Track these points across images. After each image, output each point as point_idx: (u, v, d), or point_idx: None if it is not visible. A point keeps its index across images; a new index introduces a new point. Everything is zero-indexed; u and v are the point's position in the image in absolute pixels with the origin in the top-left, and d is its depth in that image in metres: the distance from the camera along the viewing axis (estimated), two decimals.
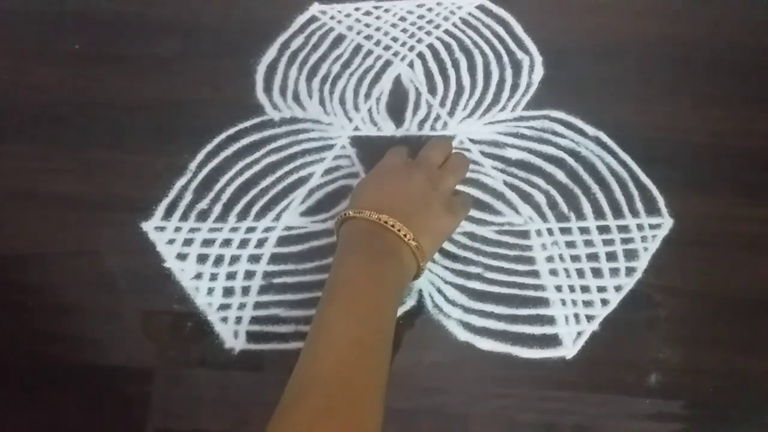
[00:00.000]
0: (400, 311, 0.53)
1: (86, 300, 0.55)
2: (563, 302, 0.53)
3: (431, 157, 0.51)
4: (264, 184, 0.58)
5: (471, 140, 0.59)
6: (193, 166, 0.58)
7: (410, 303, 0.54)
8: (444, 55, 0.63)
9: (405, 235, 0.44)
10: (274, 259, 0.55)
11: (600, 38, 0.62)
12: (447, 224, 0.49)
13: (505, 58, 0.62)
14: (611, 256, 0.54)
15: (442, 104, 0.61)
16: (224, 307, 0.54)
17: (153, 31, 0.64)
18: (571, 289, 0.53)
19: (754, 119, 0.58)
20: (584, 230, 0.55)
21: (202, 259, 0.55)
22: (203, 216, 0.57)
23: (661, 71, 0.60)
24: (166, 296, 0.54)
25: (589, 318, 0.53)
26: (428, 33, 0.64)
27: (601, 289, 0.53)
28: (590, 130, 0.58)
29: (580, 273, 0.54)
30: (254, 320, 0.53)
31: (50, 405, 0.52)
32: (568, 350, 0.52)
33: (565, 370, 0.51)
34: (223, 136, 0.59)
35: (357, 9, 0.65)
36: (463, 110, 0.60)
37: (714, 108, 0.59)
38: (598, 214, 0.56)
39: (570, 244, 0.55)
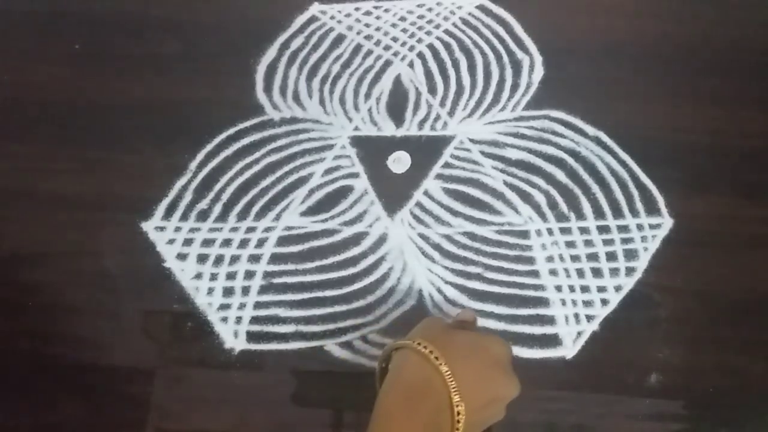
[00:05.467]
0: (400, 311, 0.53)
1: (86, 300, 0.55)
2: (563, 302, 0.53)
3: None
4: (264, 184, 0.58)
5: (471, 140, 0.59)
6: (193, 166, 0.58)
7: (410, 303, 0.54)
8: (444, 55, 0.63)
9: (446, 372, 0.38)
10: (274, 259, 0.55)
11: (600, 38, 0.62)
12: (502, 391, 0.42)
13: (505, 58, 0.62)
14: (611, 256, 0.54)
15: (442, 104, 0.61)
16: (224, 307, 0.54)
17: (153, 31, 0.64)
18: (571, 289, 0.53)
19: (754, 119, 0.58)
20: (584, 230, 0.55)
21: (202, 259, 0.55)
22: (203, 216, 0.57)
23: (661, 71, 0.60)
24: (166, 296, 0.54)
25: (589, 318, 0.53)
26: (428, 33, 0.64)
27: (601, 289, 0.53)
28: (590, 130, 0.58)
29: (580, 273, 0.54)
30: (254, 320, 0.54)
31: (50, 405, 0.52)
32: (568, 350, 0.52)
33: (565, 370, 0.51)
34: (223, 136, 0.59)
35: (357, 9, 0.65)
36: (463, 110, 0.60)
37: (714, 108, 0.59)
38: (598, 214, 0.56)
39: (570, 244, 0.55)
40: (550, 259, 0.54)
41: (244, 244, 0.56)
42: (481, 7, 0.65)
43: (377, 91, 0.61)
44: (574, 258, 0.54)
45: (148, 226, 0.56)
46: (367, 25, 0.64)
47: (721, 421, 0.50)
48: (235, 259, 0.55)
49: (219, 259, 0.55)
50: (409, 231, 0.56)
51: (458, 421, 0.38)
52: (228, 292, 0.54)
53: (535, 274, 0.54)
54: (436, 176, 0.58)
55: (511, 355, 0.43)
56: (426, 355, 0.38)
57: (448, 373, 0.38)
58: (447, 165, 0.58)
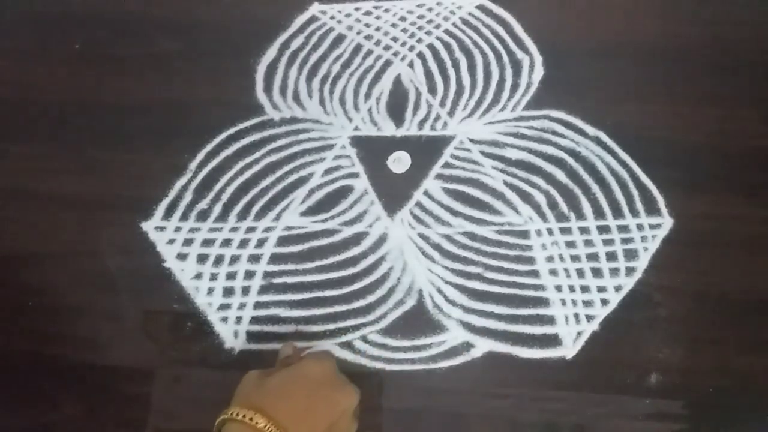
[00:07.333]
0: (400, 311, 0.53)
1: (86, 300, 0.55)
2: (563, 302, 0.53)
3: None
4: (264, 184, 0.58)
5: (471, 140, 0.59)
6: (193, 166, 0.58)
7: (410, 303, 0.54)
8: (444, 55, 0.63)
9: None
10: (274, 259, 0.55)
11: (600, 38, 0.62)
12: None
13: (505, 58, 0.62)
14: (611, 256, 0.54)
15: (442, 104, 0.61)
16: (224, 307, 0.54)
17: (153, 31, 0.64)
18: (571, 289, 0.53)
19: (754, 119, 0.58)
20: (584, 230, 0.55)
21: (202, 259, 0.55)
22: (203, 216, 0.57)
23: (661, 71, 0.60)
24: (166, 296, 0.54)
25: (589, 318, 0.53)
26: (428, 33, 0.64)
27: (601, 289, 0.53)
28: (590, 130, 0.58)
29: (580, 273, 0.54)
30: (254, 320, 0.54)
31: (50, 405, 0.52)
32: (568, 350, 0.52)
33: (565, 370, 0.51)
34: (223, 136, 0.59)
35: (357, 9, 0.65)
36: (463, 110, 0.60)
37: (714, 108, 0.59)
38: (598, 214, 0.56)
39: (570, 244, 0.55)
40: (550, 259, 0.54)
41: (244, 244, 0.56)
42: (481, 7, 0.65)
43: (377, 91, 0.61)
44: (574, 258, 0.54)
45: (148, 226, 0.56)
46: (367, 25, 0.64)
47: (721, 421, 0.50)
48: (235, 259, 0.55)
49: (219, 259, 0.55)
50: (409, 231, 0.56)
51: None
52: (228, 292, 0.54)
53: (535, 274, 0.54)
54: (436, 176, 0.58)
55: (333, 365, 0.43)
56: (243, 421, 0.38)
57: (269, 428, 0.38)
58: (447, 165, 0.58)
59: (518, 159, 0.58)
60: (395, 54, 0.63)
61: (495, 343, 0.52)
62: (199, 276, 0.55)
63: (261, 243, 0.56)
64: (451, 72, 0.62)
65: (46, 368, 0.53)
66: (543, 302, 0.53)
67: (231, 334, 0.53)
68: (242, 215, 0.57)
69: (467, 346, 0.52)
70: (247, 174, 0.58)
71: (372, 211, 0.57)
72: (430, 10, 0.65)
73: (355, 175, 0.58)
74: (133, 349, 0.53)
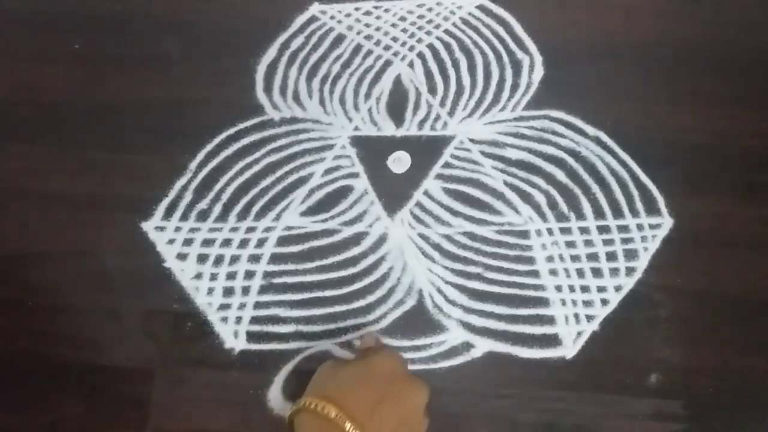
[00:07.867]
0: (400, 311, 0.53)
1: (86, 300, 0.55)
2: (563, 302, 0.53)
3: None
4: (264, 184, 0.58)
5: (471, 140, 0.59)
6: (193, 166, 0.58)
7: (410, 303, 0.54)
8: (444, 55, 0.63)
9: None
10: (274, 259, 0.55)
11: (600, 38, 0.62)
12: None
13: (505, 58, 0.62)
14: (611, 256, 0.54)
15: (442, 104, 0.61)
16: (224, 307, 0.54)
17: (153, 31, 0.64)
18: (571, 288, 0.53)
19: (754, 119, 0.58)
20: (584, 230, 0.55)
21: (202, 259, 0.55)
22: (203, 216, 0.57)
23: (661, 71, 0.60)
24: (166, 296, 0.54)
25: (589, 318, 0.53)
26: (428, 33, 0.64)
27: (601, 289, 0.53)
28: (590, 130, 0.58)
29: (580, 273, 0.54)
30: (254, 320, 0.54)
31: (50, 404, 0.52)
32: (568, 350, 0.52)
33: (565, 370, 0.51)
34: (223, 136, 0.59)
35: (357, 9, 0.65)
36: (463, 110, 0.60)
37: (714, 108, 0.59)
38: (598, 214, 0.56)
39: (570, 244, 0.55)
40: (550, 259, 0.54)
41: (244, 244, 0.56)
42: (481, 7, 0.65)
43: (377, 91, 0.61)
44: (574, 258, 0.54)
45: (148, 226, 0.56)
46: (367, 25, 0.64)
47: (721, 421, 0.50)
48: (235, 259, 0.55)
49: (219, 259, 0.55)
50: (409, 231, 0.56)
51: None
52: (228, 292, 0.54)
53: (535, 274, 0.54)
54: (436, 176, 0.58)
55: (402, 362, 0.43)
56: (315, 411, 0.38)
57: (340, 417, 0.37)
58: (447, 165, 0.58)
59: (518, 159, 0.58)
60: (395, 54, 0.63)
61: (495, 343, 0.52)
62: (199, 276, 0.55)
63: (261, 243, 0.56)
64: (451, 72, 0.62)
65: (46, 368, 0.53)
66: (543, 302, 0.53)
67: (231, 334, 0.53)
68: (242, 215, 0.57)
69: (467, 346, 0.52)
70: (247, 174, 0.58)
71: (372, 211, 0.57)
72: (430, 10, 0.65)
73: (355, 175, 0.58)
74: (133, 349, 0.53)
